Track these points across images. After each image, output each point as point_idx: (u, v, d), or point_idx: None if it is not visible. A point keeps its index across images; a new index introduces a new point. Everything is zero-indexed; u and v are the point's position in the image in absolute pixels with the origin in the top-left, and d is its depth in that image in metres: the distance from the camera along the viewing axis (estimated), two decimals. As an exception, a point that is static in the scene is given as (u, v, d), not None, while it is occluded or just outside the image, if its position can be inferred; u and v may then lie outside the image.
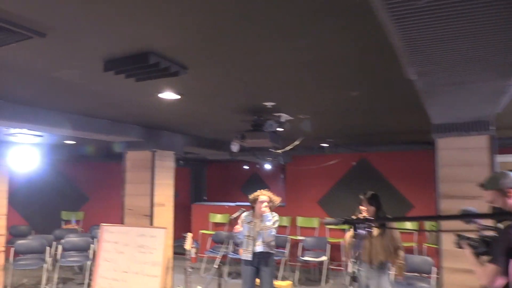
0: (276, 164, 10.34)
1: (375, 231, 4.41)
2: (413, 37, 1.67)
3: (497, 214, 2.68)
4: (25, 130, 5.22)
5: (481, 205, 2.94)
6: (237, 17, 2.11)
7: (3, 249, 6.75)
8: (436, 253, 7.51)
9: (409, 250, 7.65)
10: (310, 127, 5.02)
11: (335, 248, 8.47)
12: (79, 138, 6.39)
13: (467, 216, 2.61)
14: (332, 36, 2.36)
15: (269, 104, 4.11)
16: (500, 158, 4.39)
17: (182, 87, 3.55)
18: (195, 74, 3.08)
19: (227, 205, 10.22)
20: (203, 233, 9.93)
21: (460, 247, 2.82)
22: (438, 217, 2.92)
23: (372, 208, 4.48)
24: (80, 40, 2.44)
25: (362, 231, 1.72)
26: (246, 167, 12.10)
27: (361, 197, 4.59)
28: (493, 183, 2.70)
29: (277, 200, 5.18)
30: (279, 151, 5.14)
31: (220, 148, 7.46)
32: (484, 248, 2.65)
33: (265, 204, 5.02)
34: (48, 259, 7.38)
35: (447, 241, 4.10)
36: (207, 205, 10.81)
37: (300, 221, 9.34)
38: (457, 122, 3.93)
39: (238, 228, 5.13)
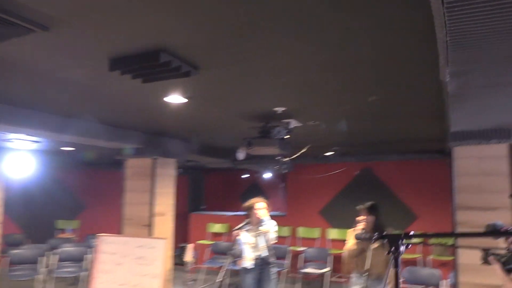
0: (277, 173, 10.15)
1: (375, 242, 4.26)
2: (462, 29, 1.50)
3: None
4: (22, 136, 5.03)
5: (501, 216, 2.80)
6: (256, 13, 1.95)
7: (-4, 259, 6.52)
8: (441, 265, 7.42)
9: (412, 262, 7.48)
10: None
11: (338, 259, 8.26)
12: (77, 145, 6.19)
13: (507, 233, 2.43)
14: (354, 35, 2.21)
15: (279, 109, 3.95)
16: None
17: (191, 89, 3.38)
18: (205, 75, 2.90)
19: (226, 215, 10.01)
20: (201, 243, 9.69)
21: (487, 263, 2.65)
22: (469, 234, 2.75)
23: (372, 218, 4.35)
24: (85, 34, 2.26)
25: (403, 248, 1.54)
26: (245, 175, 11.89)
27: (360, 207, 4.45)
28: None
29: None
30: (286, 159, 4.97)
31: (224, 156, 7.27)
32: None
33: (263, 210, 4.94)
34: (43, 269, 7.14)
35: (464, 255, 3.93)
36: (206, 214, 10.58)
37: (301, 231, 9.14)
38: (477, 130, 3.78)
39: (238, 232, 4.99)
